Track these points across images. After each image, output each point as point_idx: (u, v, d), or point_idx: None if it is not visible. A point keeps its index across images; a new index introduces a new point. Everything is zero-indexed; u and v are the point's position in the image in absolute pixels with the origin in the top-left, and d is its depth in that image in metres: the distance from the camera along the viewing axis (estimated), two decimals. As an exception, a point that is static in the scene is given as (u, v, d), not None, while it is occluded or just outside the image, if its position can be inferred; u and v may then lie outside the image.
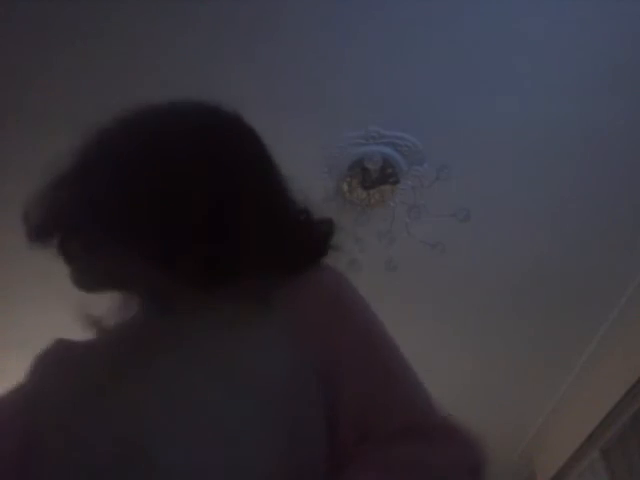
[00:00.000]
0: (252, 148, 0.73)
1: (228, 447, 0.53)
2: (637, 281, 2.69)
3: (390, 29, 1.81)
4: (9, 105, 1.95)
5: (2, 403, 0.66)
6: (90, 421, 0.56)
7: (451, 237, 2.39)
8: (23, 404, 0.63)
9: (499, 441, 3.87)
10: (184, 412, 0.55)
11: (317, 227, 0.70)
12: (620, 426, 2.89)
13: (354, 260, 2.31)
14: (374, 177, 2.19)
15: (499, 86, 1.98)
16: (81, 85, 1.90)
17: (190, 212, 0.63)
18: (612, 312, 2.87)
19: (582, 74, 1.94)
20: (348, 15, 1.77)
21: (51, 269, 2.85)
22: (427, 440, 0.56)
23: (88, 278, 0.68)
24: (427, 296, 2.78)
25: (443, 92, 1.99)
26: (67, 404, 0.59)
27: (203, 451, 0.52)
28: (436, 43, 1.85)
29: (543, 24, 1.81)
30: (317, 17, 1.78)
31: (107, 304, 0.68)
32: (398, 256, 2.35)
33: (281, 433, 0.54)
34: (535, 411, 3.61)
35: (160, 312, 0.65)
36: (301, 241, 0.67)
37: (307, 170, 2.20)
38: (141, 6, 1.72)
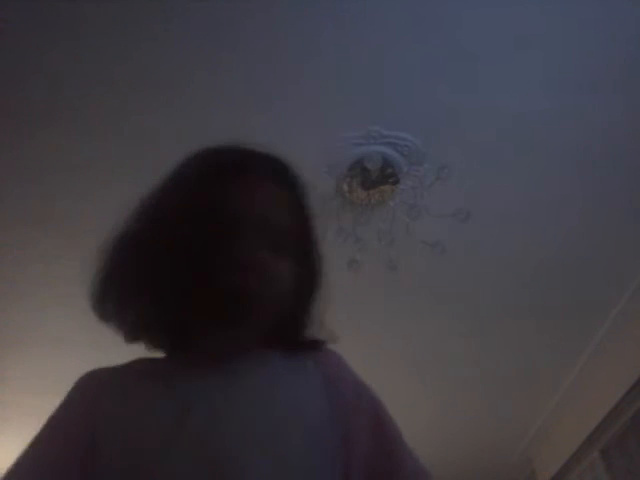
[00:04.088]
0: None
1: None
2: (637, 281, 2.69)
3: (389, 29, 1.81)
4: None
5: (68, 414, 0.69)
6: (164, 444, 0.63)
7: (451, 237, 2.39)
8: (88, 418, 0.67)
9: (499, 441, 3.87)
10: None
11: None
12: (620, 426, 2.89)
13: (354, 260, 2.31)
14: (374, 177, 2.19)
15: (499, 86, 1.98)
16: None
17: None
18: (612, 312, 2.87)
19: (584, 73, 1.94)
20: (347, 15, 1.77)
21: (49, 269, 2.81)
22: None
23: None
24: (427, 296, 2.78)
25: (443, 92, 1.99)
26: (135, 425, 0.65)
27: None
28: (436, 43, 1.85)
29: (544, 23, 1.81)
30: (317, 17, 1.78)
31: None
32: (398, 256, 2.35)
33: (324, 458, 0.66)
34: (535, 411, 3.61)
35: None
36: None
37: (307, 170, 2.19)
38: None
